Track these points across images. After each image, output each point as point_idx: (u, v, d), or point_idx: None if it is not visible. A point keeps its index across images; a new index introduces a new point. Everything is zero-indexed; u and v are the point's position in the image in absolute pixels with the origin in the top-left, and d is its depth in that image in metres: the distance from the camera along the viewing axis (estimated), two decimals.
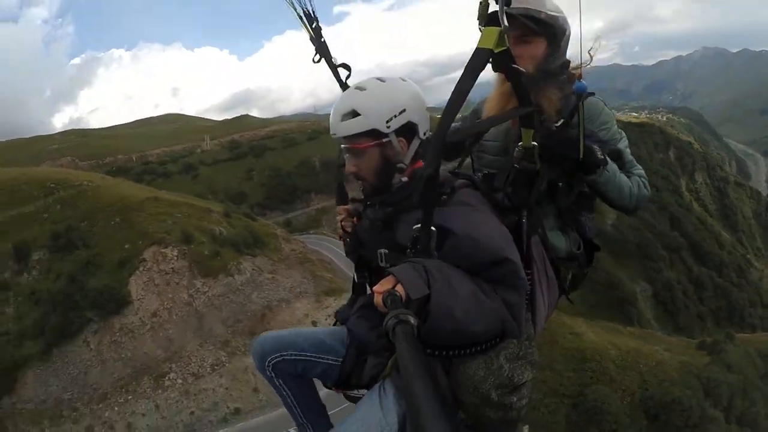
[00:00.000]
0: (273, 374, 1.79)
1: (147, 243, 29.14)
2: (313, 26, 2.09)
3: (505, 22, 1.25)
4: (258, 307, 29.60)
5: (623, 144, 1.91)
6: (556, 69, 1.87)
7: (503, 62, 1.33)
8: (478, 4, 1.36)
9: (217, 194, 58.36)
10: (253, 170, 70.48)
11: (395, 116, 1.52)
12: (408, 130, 1.57)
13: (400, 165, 1.56)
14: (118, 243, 29.11)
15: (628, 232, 56.73)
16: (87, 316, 26.11)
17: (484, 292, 1.31)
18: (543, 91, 1.78)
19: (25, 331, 25.92)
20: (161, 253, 28.65)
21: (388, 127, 1.52)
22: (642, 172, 1.90)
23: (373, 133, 1.53)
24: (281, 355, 1.75)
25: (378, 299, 1.23)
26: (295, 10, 2.06)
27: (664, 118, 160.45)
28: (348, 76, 2.06)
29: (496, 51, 1.28)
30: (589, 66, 1.84)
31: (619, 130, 1.91)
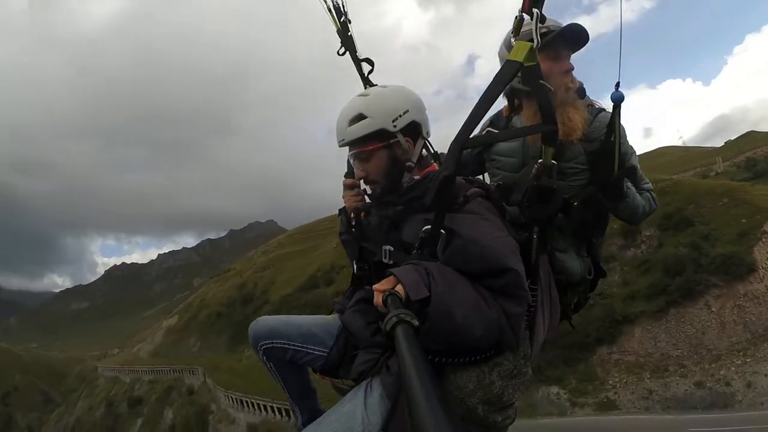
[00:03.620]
0: (264, 357, 1.82)
1: (764, 217, 31.08)
2: (341, 20, 2.12)
3: (538, 38, 1.27)
4: None
5: (635, 159, 1.93)
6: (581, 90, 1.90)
7: (532, 76, 1.34)
8: (514, 18, 1.39)
9: None
10: None
11: (400, 116, 1.55)
12: (413, 130, 1.59)
13: (408, 163, 1.58)
14: (732, 218, 31.88)
15: None
16: (711, 280, 28.91)
17: (484, 299, 1.28)
18: (567, 110, 1.80)
19: (635, 293, 27.92)
20: None
21: (395, 126, 1.54)
22: (650, 185, 1.97)
23: (381, 134, 1.55)
24: (270, 342, 1.79)
25: (378, 298, 1.20)
26: (325, 2, 2.10)
27: None
28: (371, 71, 2.09)
29: (525, 65, 1.27)
30: None
31: (630, 144, 1.92)
